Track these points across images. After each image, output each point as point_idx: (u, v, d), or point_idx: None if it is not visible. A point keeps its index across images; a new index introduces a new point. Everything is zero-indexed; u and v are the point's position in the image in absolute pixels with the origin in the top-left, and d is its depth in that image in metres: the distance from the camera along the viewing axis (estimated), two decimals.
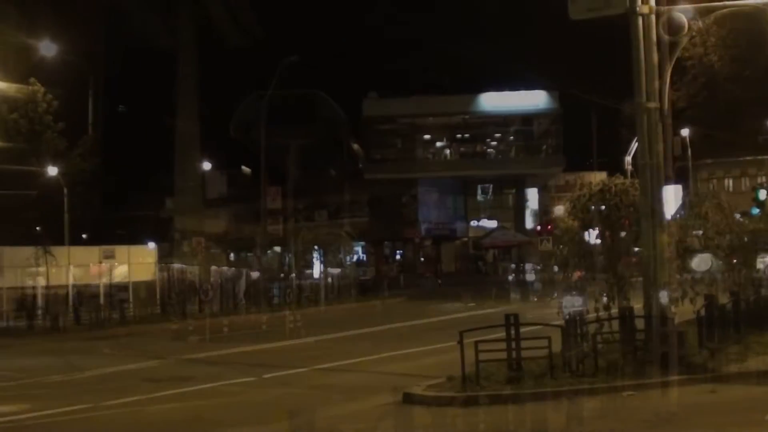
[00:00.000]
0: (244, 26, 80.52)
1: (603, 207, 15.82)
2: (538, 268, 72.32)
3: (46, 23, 55.49)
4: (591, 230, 16.32)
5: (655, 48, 13.41)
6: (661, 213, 14.53)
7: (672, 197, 18.02)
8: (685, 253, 16.73)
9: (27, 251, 33.98)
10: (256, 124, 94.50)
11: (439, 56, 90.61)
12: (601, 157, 73.53)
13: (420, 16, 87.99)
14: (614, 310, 15.75)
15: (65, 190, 69.11)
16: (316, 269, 49.96)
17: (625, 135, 49.89)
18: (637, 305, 15.63)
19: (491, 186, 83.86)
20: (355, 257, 69.36)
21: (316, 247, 43.27)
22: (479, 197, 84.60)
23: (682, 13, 13.76)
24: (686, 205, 19.13)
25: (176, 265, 61.88)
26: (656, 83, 13.59)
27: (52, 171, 71.90)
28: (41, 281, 34.13)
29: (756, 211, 37.36)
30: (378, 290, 44.18)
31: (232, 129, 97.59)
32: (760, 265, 22.89)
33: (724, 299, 17.64)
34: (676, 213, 18.06)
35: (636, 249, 15.83)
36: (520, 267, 78.83)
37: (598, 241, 16.53)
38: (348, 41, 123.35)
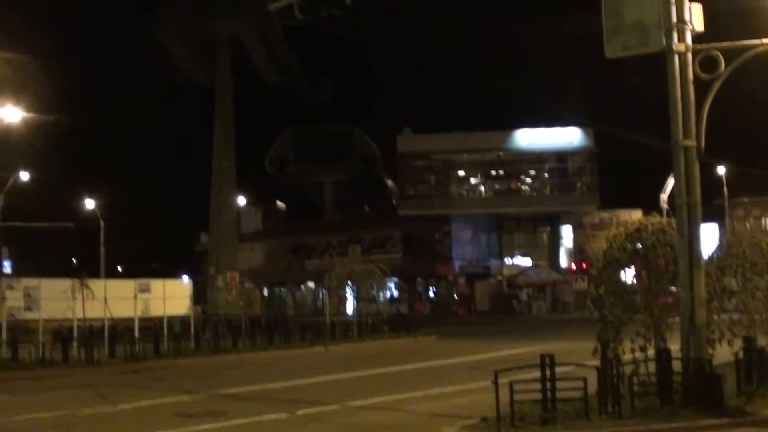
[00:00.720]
0: (281, 64, 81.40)
1: (639, 246, 15.67)
2: (571, 305, 72.14)
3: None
4: (627, 269, 16.17)
5: (691, 86, 13.33)
6: (699, 252, 14.39)
7: (709, 236, 17.88)
8: (723, 293, 16.52)
9: (64, 284, 34.12)
10: (293, 160, 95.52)
11: (473, 92, 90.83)
12: (636, 195, 73.16)
13: (454, 53, 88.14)
14: (651, 351, 15.56)
15: (102, 223, 69.99)
16: (350, 305, 49.88)
17: (661, 172, 49.75)
18: (674, 346, 15.46)
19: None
20: (389, 293, 69.23)
21: (349, 282, 43.15)
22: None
23: (719, 51, 13.68)
24: (723, 244, 18.90)
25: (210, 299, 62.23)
26: (693, 121, 13.50)
27: (90, 204, 72.93)
28: (77, 313, 34.25)
29: None
30: (411, 327, 43.93)
31: (267, 164, 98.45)
32: None
33: (762, 341, 17.40)
34: (713, 252, 17.87)
35: (673, 289, 15.66)
36: (554, 305, 78.56)
37: (634, 280, 16.38)
38: (383, 78, 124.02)
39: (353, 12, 16.67)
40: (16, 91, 47.36)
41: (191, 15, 75.27)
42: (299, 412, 18.15)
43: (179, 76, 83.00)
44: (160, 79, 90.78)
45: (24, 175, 62.30)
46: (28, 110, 46.30)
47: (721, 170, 62.07)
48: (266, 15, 70.06)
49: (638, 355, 15.58)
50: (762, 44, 14.18)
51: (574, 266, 76.45)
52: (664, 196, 52.36)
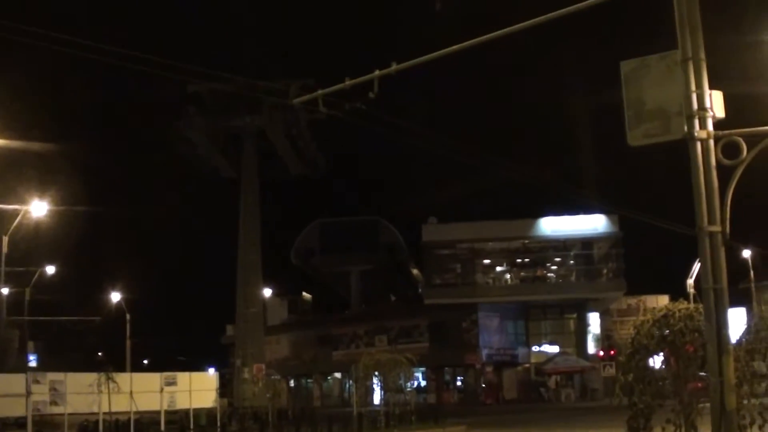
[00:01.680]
0: (306, 156, 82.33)
1: (667, 332, 15.60)
2: (599, 392, 71.31)
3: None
4: (655, 356, 16.07)
5: (714, 172, 13.39)
6: (727, 337, 14.30)
7: (736, 320, 17.75)
8: (752, 377, 16.36)
9: (90, 377, 34.23)
10: (318, 251, 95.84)
11: (497, 181, 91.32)
12: (662, 280, 72.85)
13: (477, 142, 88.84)
14: None
15: (127, 317, 70.25)
16: (377, 395, 49.53)
17: (687, 257, 49.56)
18: None
19: None
20: (416, 383, 68.71)
21: (376, 373, 42.93)
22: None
23: (740, 137, 13.78)
24: (751, 327, 18.77)
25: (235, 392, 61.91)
26: (717, 206, 13.55)
27: (116, 297, 73.27)
28: (103, 407, 34.24)
29: None
30: (439, 417, 43.50)
31: (293, 256, 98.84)
32: None
33: None
34: (741, 336, 17.74)
35: (702, 374, 15.54)
36: (583, 392, 77.71)
37: (663, 366, 16.27)
38: (407, 168, 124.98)
39: (377, 104, 16.92)
40: (42, 185, 48.07)
41: (217, 110, 76.40)
42: None
43: (205, 169, 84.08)
44: (185, 171, 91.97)
45: (50, 269, 62.90)
46: (55, 204, 46.95)
47: (746, 254, 61.82)
48: (291, 109, 71.24)
49: None
50: None
51: (601, 353, 75.75)
52: (690, 281, 52.06)
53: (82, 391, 33.88)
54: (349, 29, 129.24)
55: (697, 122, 13.00)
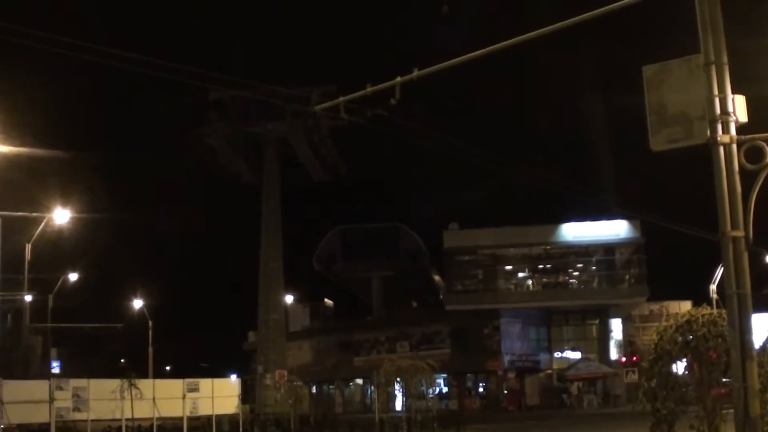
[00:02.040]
0: (327, 162, 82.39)
1: (690, 338, 15.51)
2: (622, 398, 71.04)
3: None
4: (679, 362, 15.98)
5: (737, 177, 13.33)
6: (750, 343, 14.21)
7: (760, 326, 17.63)
8: None
9: (112, 383, 34.37)
10: (340, 258, 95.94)
11: (518, 186, 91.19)
12: (685, 286, 72.42)
13: (498, 147, 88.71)
14: None
15: (150, 323, 70.49)
16: (399, 401, 49.52)
17: (710, 263, 49.30)
18: None
19: None
20: (438, 389, 68.60)
21: (398, 379, 42.90)
22: None
23: (763, 142, 13.70)
24: None
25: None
26: (740, 211, 13.47)
27: (138, 303, 73.59)
28: (126, 413, 34.35)
29: None
30: (461, 424, 43.44)
31: (315, 262, 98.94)
32: None
33: None
34: (765, 342, 17.64)
35: (726, 380, 15.45)
36: (605, 398, 77.43)
37: (686, 372, 16.18)
38: (428, 174, 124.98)
39: (399, 110, 16.92)
40: (65, 192, 48.33)
41: (238, 117, 76.59)
42: None
43: (227, 176, 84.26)
44: (208, 178, 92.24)
45: (73, 276, 63.24)
46: (77, 211, 47.20)
47: None
48: (313, 116, 71.32)
49: None
50: None
51: (624, 359, 75.42)
52: (713, 287, 51.80)
53: (104, 398, 34.03)
54: (370, 35, 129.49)
55: (719, 126, 12.95)
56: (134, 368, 41.75)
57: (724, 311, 14.81)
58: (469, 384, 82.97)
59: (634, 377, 62.30)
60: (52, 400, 32.96)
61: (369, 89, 15.76)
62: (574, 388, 79.11)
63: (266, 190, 78.43)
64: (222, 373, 70.27)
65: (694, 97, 13.01)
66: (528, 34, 13.70)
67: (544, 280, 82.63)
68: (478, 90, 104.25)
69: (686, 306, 52.98)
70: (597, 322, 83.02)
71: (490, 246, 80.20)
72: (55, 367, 68.25)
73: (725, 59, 12.57)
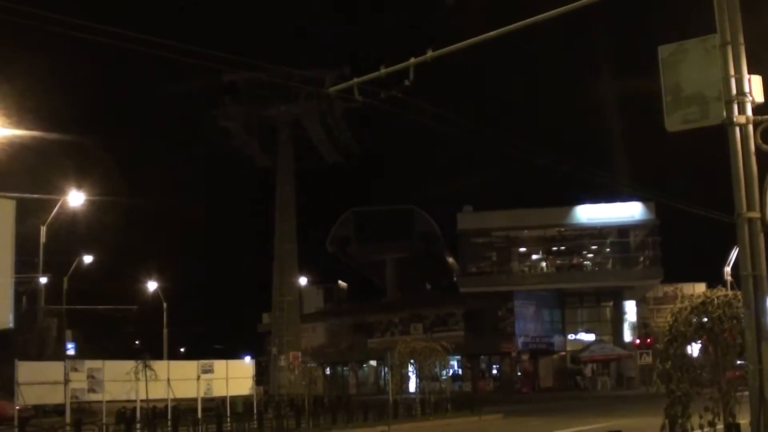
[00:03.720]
0: (341, 145, 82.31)
1: (705, 320, 15.45)
2: (636, 380, 70.99)
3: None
4: (693, 344, 15.92)
5: (753, 157, 13.25)
6: (766, 324, 14.14)
7: None
8: None
9: (127, 365, 34.44)
10: (354, 240, 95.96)
11: (531, 168, 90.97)
12: (699, 268, 72.24)
13: (512, 130, 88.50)
14: (720, 426, 15.25)
15: (164, 305, 70.73)
16: (412, 383, 49.63)
17: (724, 244, 49.10)
18: (744, 420, 15.14)
19: None
20: (451, 371, 68.65)
21: (412, 360, 42.92)
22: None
23: None
24: None
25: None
26: (756, 192, 13.39)
27: (152, 286, 73.82)
28: (140, 395, 34.47)
29: None
30: (475, 405, 43.45)
31: (328, 245, 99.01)
32: None
33: None
34: None
35: (740, 362, 15.38)
36: (619, 381, 77.41)
37: (701, 354, 16.12)
38: (442, 156, 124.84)
39: (412, 92, 16.86)
40: (79, 175, 48.44)
41: (252, 100, 76.54)
42: None
43: (241, 158, 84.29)
44: (222, 161, 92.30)
45: (87, 259, 63.47)
46: (92, 194, 47.32)
47: None
48: (326, 98, 71.21)
49: (707, 430, 15.28)
50: None
51: (638, 341, 75.36)
52: (728, 269, 51.58)
53: (119, 379, 34.09)
54: (384, 16, 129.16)
55: (735, 107, 12.86)
56: (149, 350, 41.94)
57: (739, 293, 14.76)
58: (483, 366, 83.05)
59: (648, 359, 62.23)
60: (67, 381, 33.05)
61: (383, 70, 15.72)
62: (587, 370, 79.13)
63: (280, 172, 78.43)
64: (236, 355, 70.38)
65: (710, 77, 12.91)
66: (542, 15, 13.62)
67: (558, 262, 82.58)
68: (492, 71, 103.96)
69: (700, 288, 52.89)
70: (611, 304, 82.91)
71: (504, 228, 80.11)
72: (70, 349, 68.51)
73: (741, 39, 12.47)
